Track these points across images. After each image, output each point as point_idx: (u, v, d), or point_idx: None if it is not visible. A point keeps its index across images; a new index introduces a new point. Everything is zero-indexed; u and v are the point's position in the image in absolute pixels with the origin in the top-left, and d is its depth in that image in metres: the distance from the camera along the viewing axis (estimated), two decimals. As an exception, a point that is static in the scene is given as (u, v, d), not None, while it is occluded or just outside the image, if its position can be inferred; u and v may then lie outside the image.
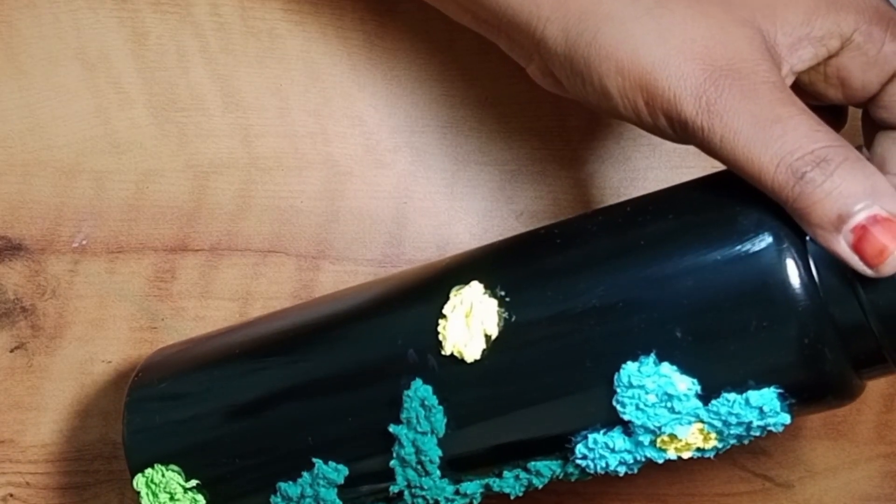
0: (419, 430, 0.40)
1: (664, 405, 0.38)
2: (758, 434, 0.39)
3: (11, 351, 0.53)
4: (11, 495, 0.53)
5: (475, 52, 0.53)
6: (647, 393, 0.38)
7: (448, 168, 0.53)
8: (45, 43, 0.53)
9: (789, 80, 0.40)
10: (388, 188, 0.53)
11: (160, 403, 0.45)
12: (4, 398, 0.53)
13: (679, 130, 0.38)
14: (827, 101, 0.42)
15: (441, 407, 0.40)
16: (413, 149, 0.53)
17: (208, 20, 0.53)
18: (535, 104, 0.53)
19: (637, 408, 0.38)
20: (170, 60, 0.53)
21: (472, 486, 0.42)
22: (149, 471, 0.44)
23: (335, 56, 0.53)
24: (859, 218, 0.36)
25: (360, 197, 0.53)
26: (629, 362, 0.38)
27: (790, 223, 0.37)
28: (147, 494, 0.44)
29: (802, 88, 0.42)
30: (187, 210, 0.53)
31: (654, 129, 0.39)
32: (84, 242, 0.53)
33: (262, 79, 0.53)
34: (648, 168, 0.53)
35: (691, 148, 0.39)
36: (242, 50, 0.53)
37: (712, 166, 0.39)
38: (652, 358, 0.38)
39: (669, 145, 0.52)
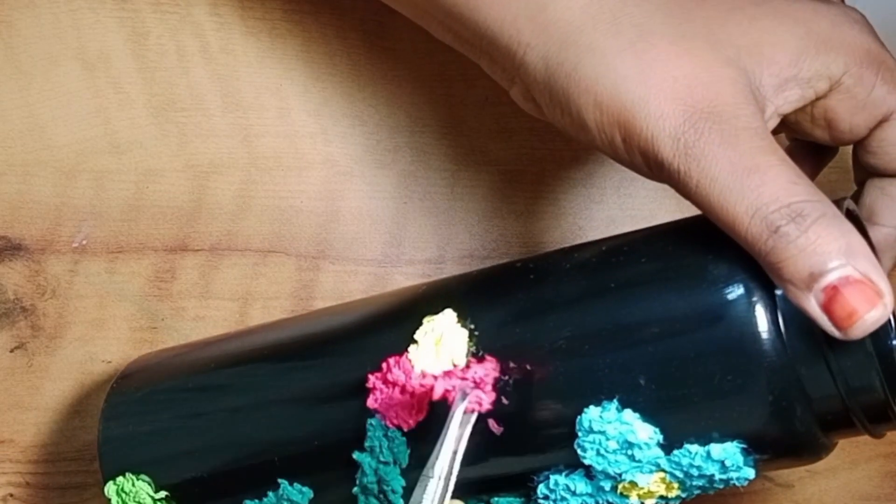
0: (381, 459, 0.40)
1: (624, 452, 0.37)
2: (721, 487, 0.38)
3: (11, 351, 0.53)
4: (11, 495, 0.53)
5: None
6: (607, 439, 0.37)
7: (448, 168, 0.53)
8: (45, 43, 0.53)
9: (774, 122, 0.39)
10: (388, 188, 0.53)
11: (135, 413, 0.45)
12: (4, 398, 0.53)
13: (655, 170, 0.37)
14: (813, 141, 0.41)
15: (404, 438, 0.40)
16: (413, 149, 0.53)
17: (208, 20, 0.53)
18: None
19: (598, 453, 0.38)
20: (170, 60, 0.53)
21: None
22: (120, 479, 0.44)
23: (335, 56, 0.53)
24: (831, 278, 0.34)
25: (360, 197, 0.53)
26: (591, 406, 0.37)
27: (761, 275, 0.36)
28: (117, 502, 0.44)
29: (788, 126, 0.40)
30: (187, 210, 0.53)
31: (631, 166, 0.38)
32: (84, 242, 0.53)
33: (262, 79, 0.53)
34: (648, 168, 0.53)
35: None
36: (242, 50, 0.53)
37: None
38: (615, 404, 0.37)
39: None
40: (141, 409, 0.45)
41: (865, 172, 0.41)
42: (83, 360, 0.53)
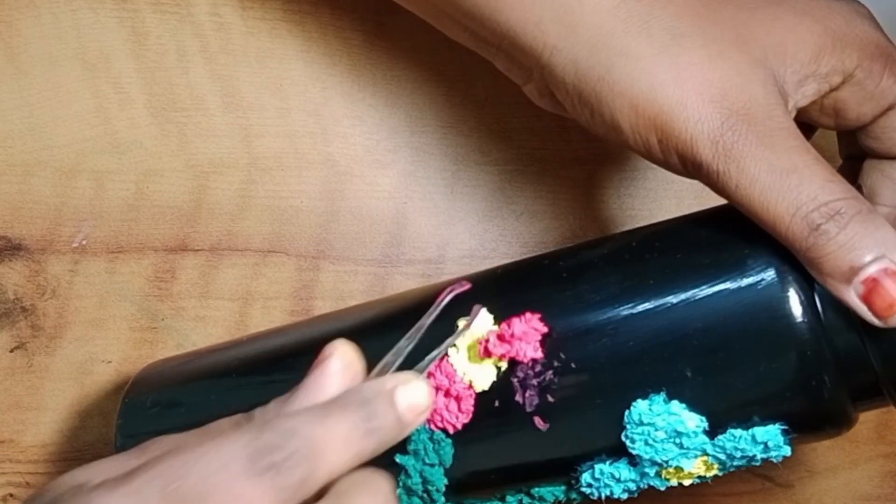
0: (427, 461, 0.40)
1: (672, 441, 0.38)
2: (757, 464, 0.39)
3: (11, 351, 0.53)
4: (11, 495, 0.53)
5: (475, 52, 0.53)
6: (656, 430, 0.38)
7: (448, 168, 0.53)
8: (45, 43, 0.53)
9: (792, 115, 0.39)
10: (388, 188, 0.53)
11: (157, 423, 0.45)
12: (4, 398, 0.53)
13: (692, 170, 0.39)
14: (817, 126, 0.42)
15: (449, 440, 0.40)
16: (413, 149, 0.53)
17: (208, 20, 0.53)
18: (535, 104, 0.53)
19: (646, 443, 0.38)
20: (170, 60, 0.53)
21: None
22: None
23: (335, 56, 0.53)
24: (871, 270, 0.36)
25: (360, 197, 0.53)
26: (639, 400, 0.38)
27: (797, 263, 0.37)
28: None
29: (797, 114, 0.41)
30: (187, 210, 0.53)
31: (664, 165, 0.39)
32: (84, 242, 0.53)
33: (262, 79, 0.53)
34: (648, 168, 0.53)
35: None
36: (242, 50, 0.53)
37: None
38: (662, 396, 0.38)
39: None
40: (159, 415, 0.45)
41: (856, 149, 0.43)
42: (83, 360, 0.53)
